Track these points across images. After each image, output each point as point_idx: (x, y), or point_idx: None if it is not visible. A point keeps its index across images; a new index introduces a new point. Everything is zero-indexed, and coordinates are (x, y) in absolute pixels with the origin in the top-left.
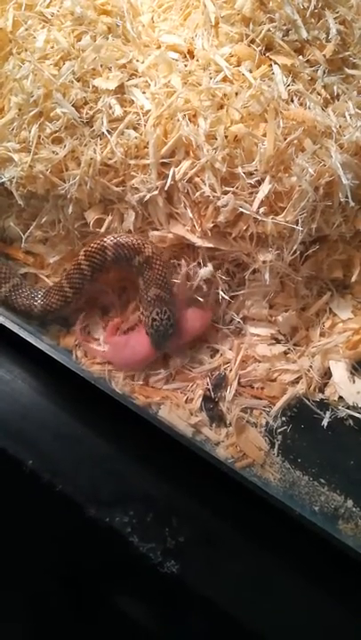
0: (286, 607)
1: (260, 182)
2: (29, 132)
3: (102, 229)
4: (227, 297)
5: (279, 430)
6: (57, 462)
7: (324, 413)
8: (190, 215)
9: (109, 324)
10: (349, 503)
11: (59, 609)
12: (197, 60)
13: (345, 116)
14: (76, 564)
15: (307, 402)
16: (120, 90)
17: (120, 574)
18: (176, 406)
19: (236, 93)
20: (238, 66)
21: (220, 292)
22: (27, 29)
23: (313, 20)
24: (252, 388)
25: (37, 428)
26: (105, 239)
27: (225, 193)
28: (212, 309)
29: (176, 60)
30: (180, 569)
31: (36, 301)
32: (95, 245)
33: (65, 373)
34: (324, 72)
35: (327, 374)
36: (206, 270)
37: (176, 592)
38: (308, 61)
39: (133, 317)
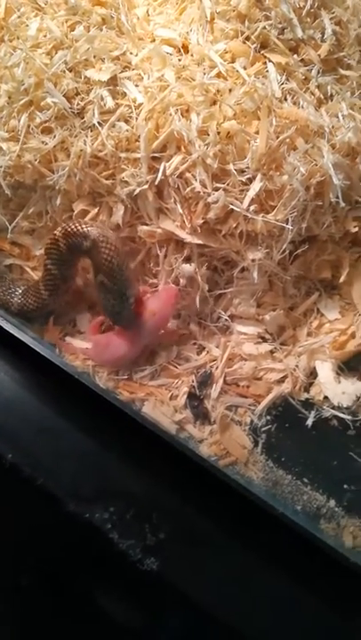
0: (267, 606)
1: (251, 180)
2: (19, 120)
3: None
4: (209, 297)
5: (263, 429)
6: (38, 456)
7: (309, 413)
8: (180, 211)
9: (92, 322)
10: (332, 503)
11: (36, 604)
12: (192, 55)
13: (338, 117)
14: (54, 559)
15: (292, 401)
16: (112, 82)
17: (99, 571)
18: (160, 403)
19: (230, 90)
20: (233, 62)
21: (205, 292)
22: (19, 17)
23: (309, 20)
24: (238, 386)
25: (19, 422)
26: (55, 232)
27: (216, 189)
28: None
29: (170, 55)
30: (159, 566)
31: (14, 299)
32: (49, 241)
33: (48, 367)
34: (318, 72)
35: (313, 374)
36: (188, 268)
37: (155, 589)
38: (302, 60)
39: None
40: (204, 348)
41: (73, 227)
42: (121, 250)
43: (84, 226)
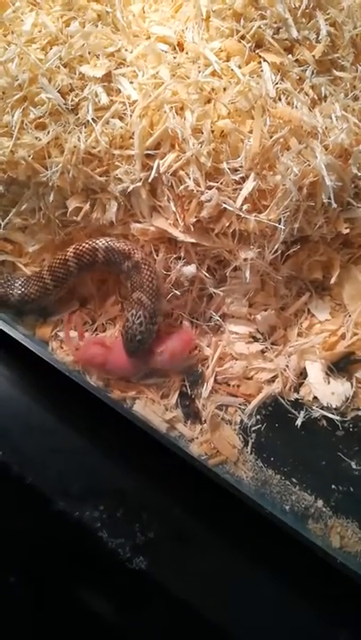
0: (254, 605)
1: (244, 179)
2: (12, 116)
3: (79, 217)
4: (218, 292)
5: (253, 428)
6: (27, 454)
7: (299, 413)
8: (173, 209)
9: (78, 327)
10: (320, 503)
11: (24, 603)
12: (187, 53)
13: (331, 118)
14: (43, 558)
15: (282, 401)
16: (107, 78)
17: (88, 569)
18: (151, 401)
19: (225, 88)
20: (228, 61)
21: (210, 289)
22: (14, 11)
23: (304, 20)
24: (229, 385)
25: (9, 419)
26: (97, 242)
27: (209, 188)
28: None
29: (165, 52)
30: (148, 565)
31: (14, 290)
32: (86, 246)
33: (39, 364)
34: (312, 72)
35: (303, 374)
36: (190, 269)
37: (144, 588)
38: (297, 61)
39: (112, 310)
40: (195, 347)
41: (117, 245)
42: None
43: (130, 246)
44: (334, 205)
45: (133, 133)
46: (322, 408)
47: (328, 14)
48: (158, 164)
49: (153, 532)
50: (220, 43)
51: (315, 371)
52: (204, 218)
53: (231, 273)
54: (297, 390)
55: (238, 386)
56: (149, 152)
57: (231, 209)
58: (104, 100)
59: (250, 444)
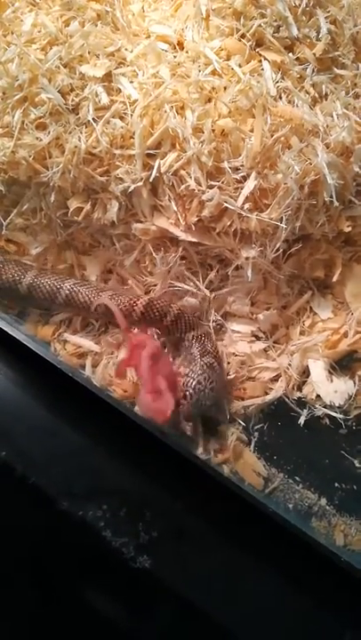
0: (258, 603)
1: (245, 178)
2: (13, 116)
3: (80, 218)
4: (209, 295)
5: (256, 427)
6: (30, 454)
7: (302, 411)
8: (175, 208)
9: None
10: (323, 501)
11: (27, 603)
12: (187, 52)
13: (332, 116)
14: (46, 557)
15: (285, 399)
16: (107, 78)
17: (91, 569)
18: None
19: (225, 87)
20: (228, 60)
21: (206, 292)
22: (14, 12)
23: (304, 18)
24: (231, 384)
25: (11, 420)
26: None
27: (210, 187)
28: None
29: (165, 51)
30: (152, 564)
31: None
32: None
33: (42, 365)
34: (313, 71)
35: (306, 373)
36: (193, 301)
37: (148, 587)
38: (297, 59)
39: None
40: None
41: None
42: None
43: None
44: (336, 204)
45: (134, 133)
46: (325, 406)
47: (328, 12)
48: (159, 164)
49: (156, 531)
50: (220, 41)
51: (317, 369)
52: (205, 217)
53: (233, 272)
54: (300, 389)
55: (241, 384)
56: (150, 152)
57: (233, 208)
58: (104, 99)
59: (253, 442)
